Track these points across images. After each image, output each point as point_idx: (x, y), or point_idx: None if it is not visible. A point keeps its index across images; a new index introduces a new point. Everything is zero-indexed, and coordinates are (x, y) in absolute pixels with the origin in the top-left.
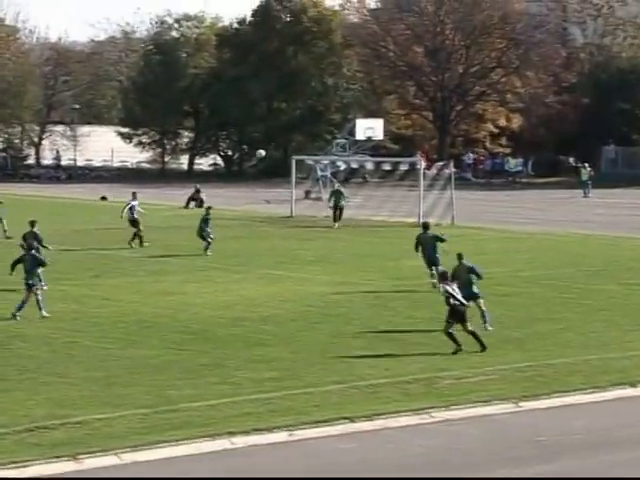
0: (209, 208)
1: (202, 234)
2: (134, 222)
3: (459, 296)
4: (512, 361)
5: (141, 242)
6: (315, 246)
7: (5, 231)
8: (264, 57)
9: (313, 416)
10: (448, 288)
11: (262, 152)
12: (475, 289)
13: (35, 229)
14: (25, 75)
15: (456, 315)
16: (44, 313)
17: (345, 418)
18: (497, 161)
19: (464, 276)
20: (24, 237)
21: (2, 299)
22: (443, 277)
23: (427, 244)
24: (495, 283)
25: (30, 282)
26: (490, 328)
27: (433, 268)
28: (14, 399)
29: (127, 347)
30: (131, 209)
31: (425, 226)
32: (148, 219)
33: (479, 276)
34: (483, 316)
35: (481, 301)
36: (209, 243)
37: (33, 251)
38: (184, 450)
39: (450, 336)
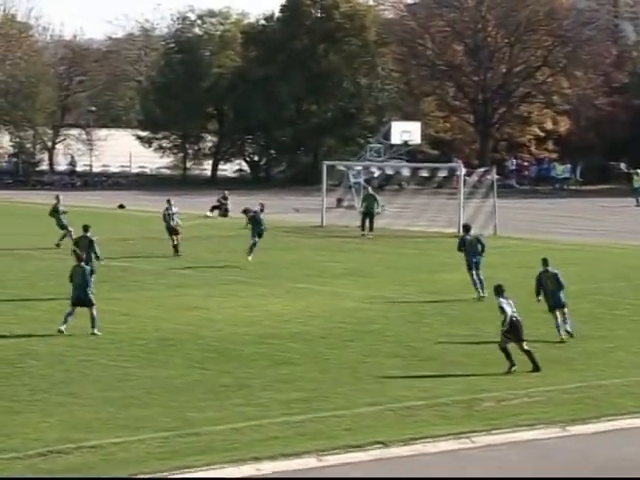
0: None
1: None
2: (172, 229)
3: (509, 313)
4: (559, 382)
5: (176, 250)
6: (347, 258)
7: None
8: (293, 56)
9: (344, 440)
10: (503, 303)
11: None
12: (562, 297)
13: (89, 234)
14: (38, 75)
15: (514, 330)
16: (62, 328)
17: (379, 443)
18: (543, 167)
19: (550, 283)
20: (76, 242)
21: (13, 315)
22: (497, 291)
23: (470, 247)
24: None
25: (82, 297)
26: (566, 333)
27: (474, 273)
28: (25, 421)
29: (146, 366)
30: (169, 217)
31: (466, 228)
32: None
33: (561, 285)
34: (565, 322)
35: (566, 310)
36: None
37: (83, 263)
38: (206, 476)
39: (505, 352)
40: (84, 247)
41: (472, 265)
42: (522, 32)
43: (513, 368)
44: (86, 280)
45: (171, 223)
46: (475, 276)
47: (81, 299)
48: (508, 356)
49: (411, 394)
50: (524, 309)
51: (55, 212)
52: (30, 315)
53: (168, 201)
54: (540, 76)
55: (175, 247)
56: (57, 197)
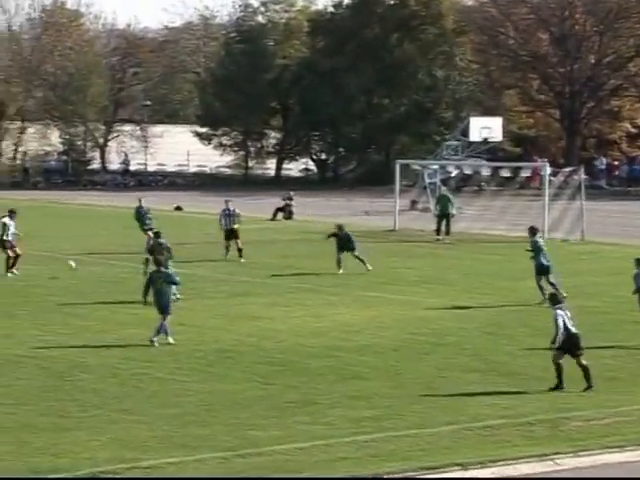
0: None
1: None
2: (232, 232)
3: (566, 325)
4: None
5: (240, 254)
6: (421, 264)
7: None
8: (363, 45)
9: (419, 462)
10: (559, 316)
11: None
12: None
13: (162, 240)
14: (89, 67)
15: (571, 344)
16: (170, 340)
17: (457, 464)
18: (635, 167)
19: None
20: (150, 251)
21: (62, 324)
22: (553, 300)
23: (539, 250)
24: (631, 308)
25: (163, 304)
26: None
27: (542, 278)
28: (75, 439)
29: (205, 380)
30: (228, 219)
31: (533, 231)
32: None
33: None
34: None
35: None
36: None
37: (162, 268)
38: None
39: (557, 367)
40: (160, 254)
41: (545, 269)
42: (613, 19)
43: (560, 389)
44: (170, 286)
45: (231, 225)
46: (543, 281)
47: (158, 304)
48: (559, 373)
49: (491, 412)
50: (614, 319)
51: (140, 214)
52: (80, 325)
53: (226, 202)
54: (633, 67)
55: (239, 251)
56: (140, 199)
